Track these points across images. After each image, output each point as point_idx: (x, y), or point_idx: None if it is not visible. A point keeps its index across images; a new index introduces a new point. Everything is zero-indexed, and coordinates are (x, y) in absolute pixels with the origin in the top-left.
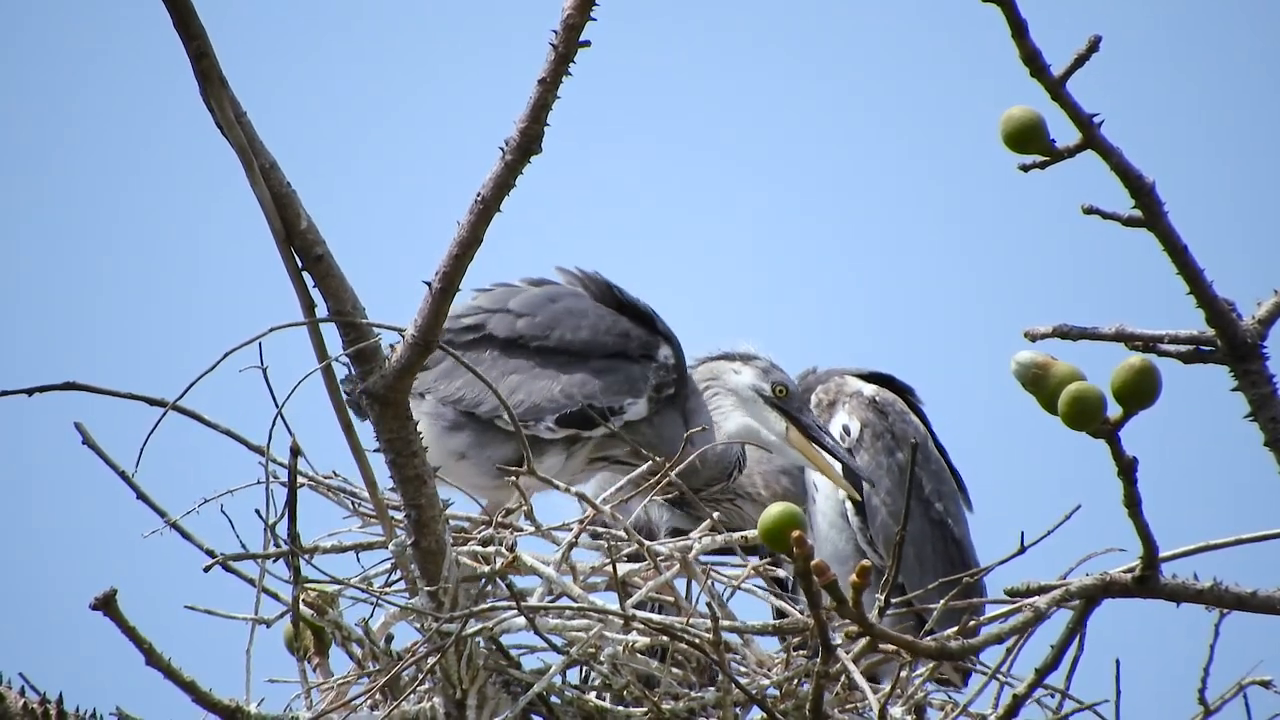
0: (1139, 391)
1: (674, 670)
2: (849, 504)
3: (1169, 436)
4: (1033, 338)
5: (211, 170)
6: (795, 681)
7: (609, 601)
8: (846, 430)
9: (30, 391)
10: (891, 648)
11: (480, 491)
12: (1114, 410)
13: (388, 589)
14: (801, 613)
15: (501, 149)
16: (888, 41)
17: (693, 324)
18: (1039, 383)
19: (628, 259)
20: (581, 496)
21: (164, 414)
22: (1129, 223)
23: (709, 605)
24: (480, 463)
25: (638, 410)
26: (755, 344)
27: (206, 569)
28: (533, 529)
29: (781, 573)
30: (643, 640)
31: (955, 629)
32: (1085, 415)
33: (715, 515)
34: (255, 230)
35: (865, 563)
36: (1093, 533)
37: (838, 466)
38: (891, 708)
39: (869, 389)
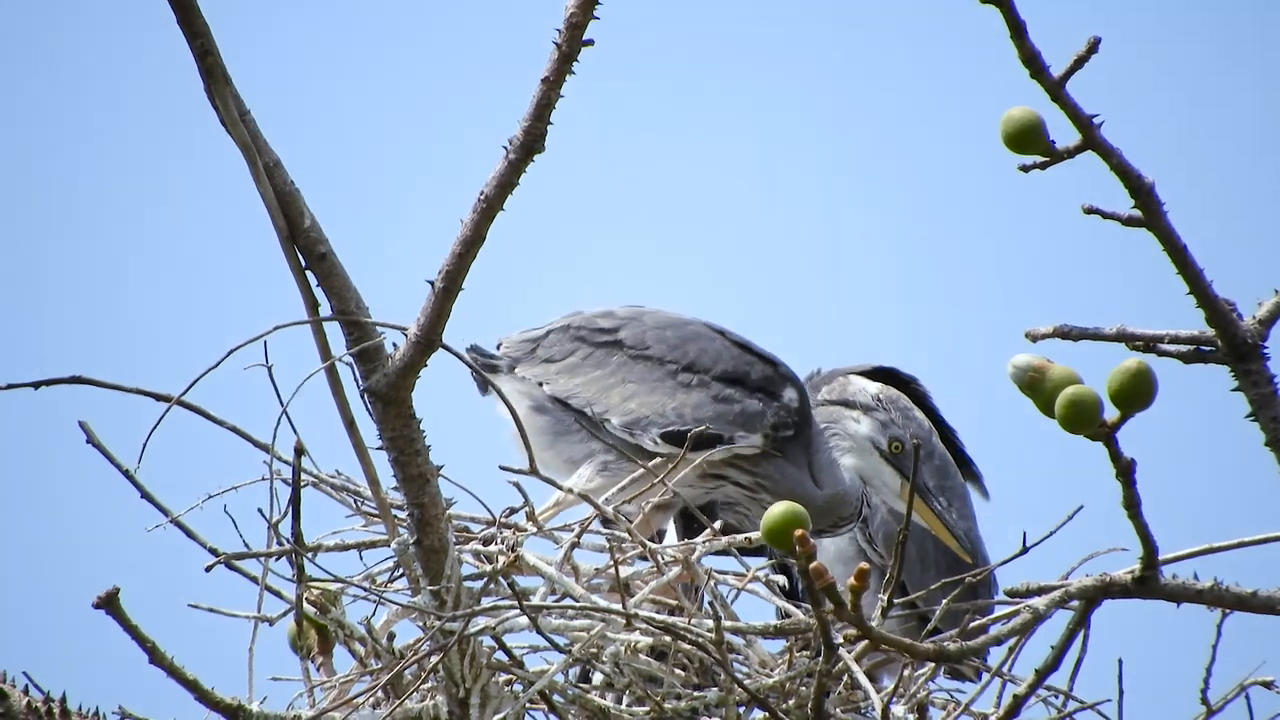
0: (1135, 394)
1: (677, 671)
2: None
3: (1170, 437)
4: (1033, 338)
5: (215, 168)
6: (797, 681)
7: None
8: None
9: (37, 385)
10: (892, 649)
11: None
12: (1111, 413)
13: (390, 587)
14: (805, 613)
15: (505, 148)
16: (887, 42)
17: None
18: (1036, 386)
19: (632, 257)
20: (585, 497)
21: (168, 408)
22: (1129, 223)
23: (711, 605)
24: (553, 450)
25: (749, 444)
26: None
27: (209, 568)
28: (535, 529)
29: (782, 579)
30: (645, 641)
31: (955, 630)
32: (1082, 418)
33: (716, 524)
34: (259, 228)
35: (863, 565)
36: (1095, 533)
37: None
38: (894, 707)
39: (873, 387)
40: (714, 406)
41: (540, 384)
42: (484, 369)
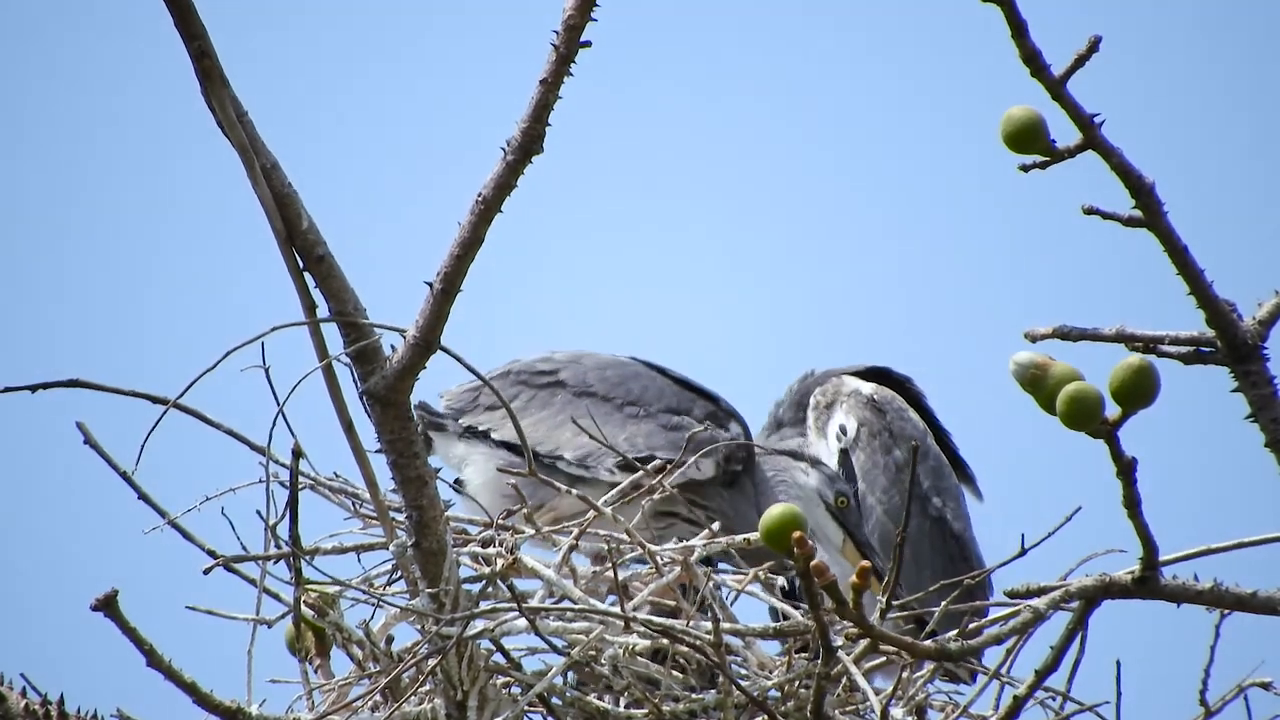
0: (1137, 391)
1: (675, 674)
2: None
3: (1169, 438)
4: (1033, 338)
5: (213, 170)
6: (796, 683)
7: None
8: (843, 430)
9: (34, 388)
10: (892, 649)
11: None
12: (1112, 410)
13: (389, 590)
14: (803, 614)
15: (503, 149)
16: (887, 41)
17: (694, 323)
18: (1037, 383)
19: (629, 256)
20: (583, 499)
21: (165, 411)
22: (1129, 223)
23: (710, 607)
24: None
25: (705, 468)
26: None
27: (207, 571)
28: (534, 531)
29: (781, 580)
30: (644, 644)
31: (955, 630)
32: (1084, 415)
33: (715, 525)
34: (257, 230)
35: (865, 564)
36: (1094, 534)
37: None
38: (893, 709)
39: (867, 388)
40: (665, 435)
41: (488, 431)
42: (430, 428)
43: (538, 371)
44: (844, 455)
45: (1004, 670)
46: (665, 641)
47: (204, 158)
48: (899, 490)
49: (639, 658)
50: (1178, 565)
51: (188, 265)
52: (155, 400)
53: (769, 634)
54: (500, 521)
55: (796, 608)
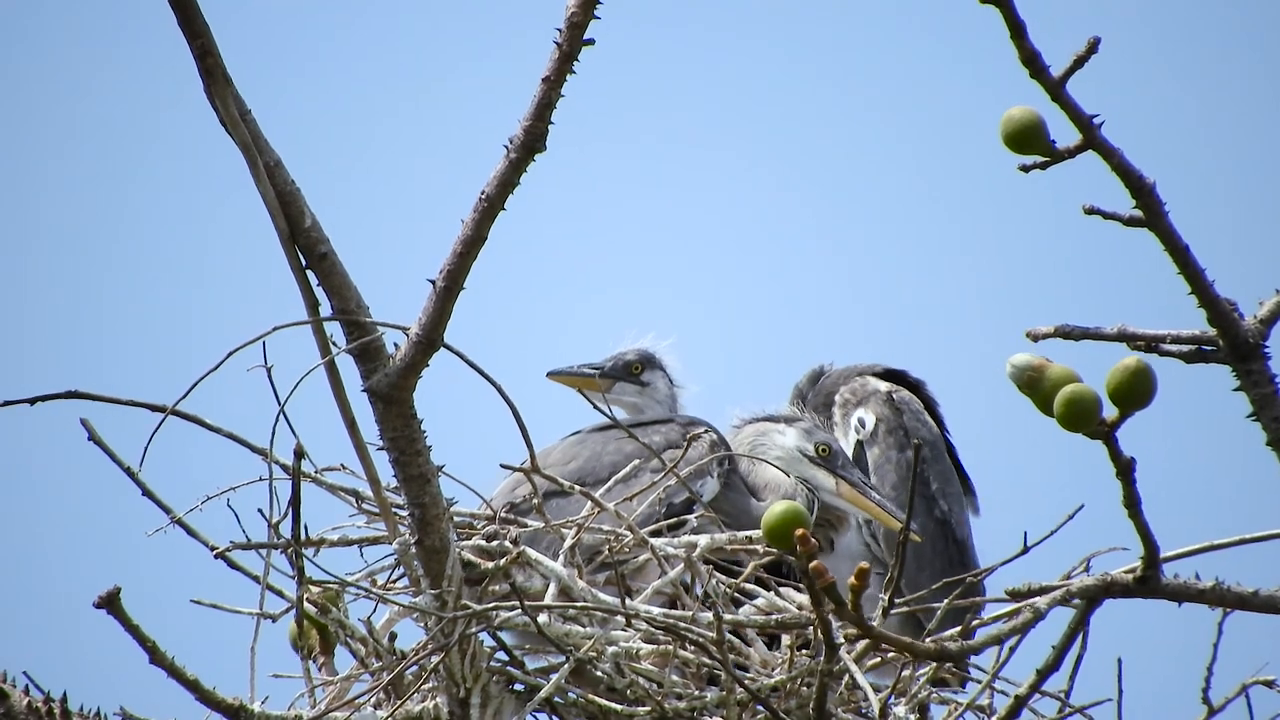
0: (1134, 392)
1: (676, 678)
2: None
3: (1171, 436)
4: (1034, 338)
5: (216, 168)
6: (799, 681)
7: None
8: (862, 423)
9: (33, 401)
10: (891, 649)
11: None
12: (1110, 411)
13: (391, 586)
14: (801, 609)
15: (506, 147)
16: (888, 42)
17: (693, 322)
18: (1034, 385)
19: (629, 256)
20: (586, 494)
21: (163, 419)
22: (1130, 223)
23: (712, 603)
24: None
25: (711, 488)
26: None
27: (217, 555)
28: (541, 524)
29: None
30: (649, 649)
31: (956, 630)
32: (1081, 417)
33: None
34: (260, 228)
35: (863, 565)
36: (1096, 533)
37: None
38: (896, 707)
39: (886, 386)
40: (667, 479)
41: None
42: None
43: (510, 505)
44: (859, 448)
45: (1001, 669)
46: (668, 639)
47: (207, 156)
48: (908, 488)
49: (642, 657)
50: (1179, 562)
51: (191, 264)
52: (154, 408)
53: (770, 627)
54: (502, 515)
55: (797, 590)
